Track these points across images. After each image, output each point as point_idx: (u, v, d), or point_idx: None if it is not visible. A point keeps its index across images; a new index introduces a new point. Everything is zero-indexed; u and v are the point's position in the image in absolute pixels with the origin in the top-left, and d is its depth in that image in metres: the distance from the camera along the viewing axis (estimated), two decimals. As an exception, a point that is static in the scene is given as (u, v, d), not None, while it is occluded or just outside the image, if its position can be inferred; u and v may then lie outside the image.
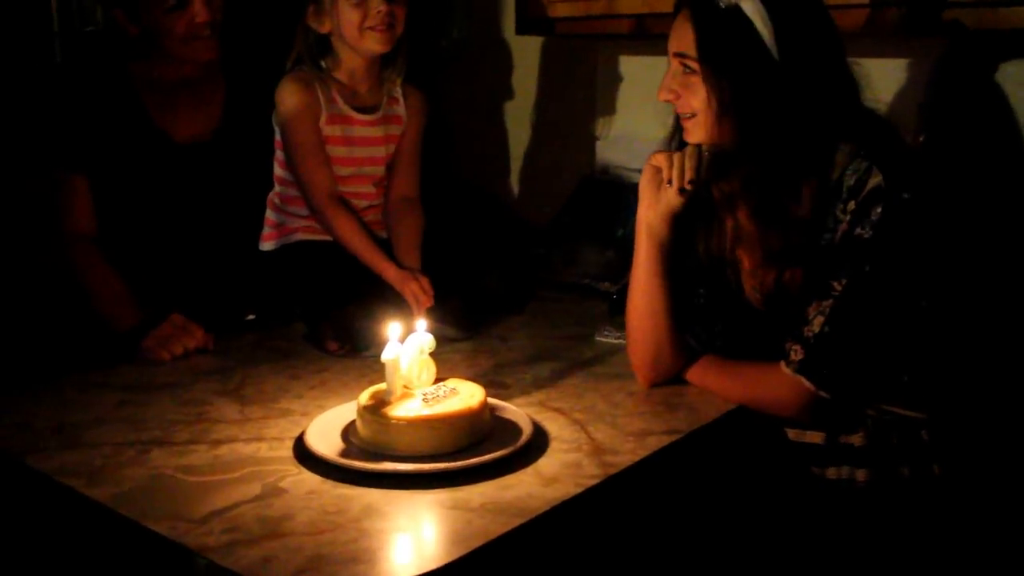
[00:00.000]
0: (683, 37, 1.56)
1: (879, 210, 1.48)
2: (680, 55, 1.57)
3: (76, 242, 2.02)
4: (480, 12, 2.91)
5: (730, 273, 1.71)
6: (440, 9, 2.91)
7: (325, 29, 1.97)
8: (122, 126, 2.05)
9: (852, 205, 1.50)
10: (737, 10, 1.51)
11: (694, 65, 1.55)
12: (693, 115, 1.59)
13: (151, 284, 2.02)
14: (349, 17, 1.93)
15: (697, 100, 1.56)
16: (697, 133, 1.60)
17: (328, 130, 2.00)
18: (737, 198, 1.65)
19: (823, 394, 1.52)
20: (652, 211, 1.64)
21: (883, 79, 1.63)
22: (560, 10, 2.40)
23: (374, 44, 1.96)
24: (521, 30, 2.54)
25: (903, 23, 1.91)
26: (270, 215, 2.09)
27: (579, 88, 2.81)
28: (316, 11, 1.96)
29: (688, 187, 1.60)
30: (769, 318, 1.63)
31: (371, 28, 1.93)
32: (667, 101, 1.62)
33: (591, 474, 1.36)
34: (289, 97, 1.98)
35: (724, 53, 1.52)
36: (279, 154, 2.05)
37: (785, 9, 1.53)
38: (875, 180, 1.49)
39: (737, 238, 1.69)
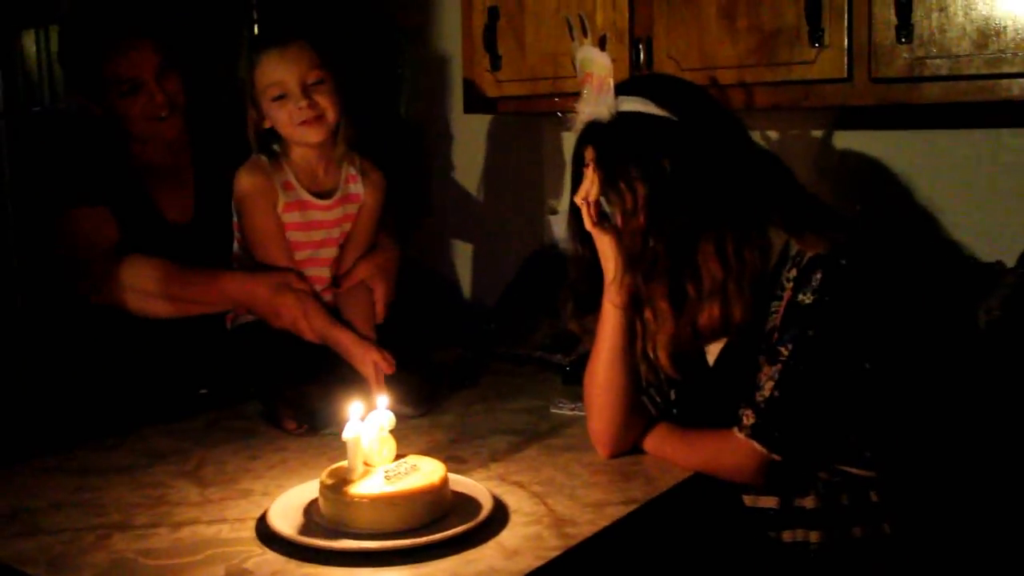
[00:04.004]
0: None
1: (819, 276, 1.54)
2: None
3: None
4: (428, 91, 2.97)
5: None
6: (389, 88, 2.97)
7: (267, 125, 2.01)
8: (125, 198, 2.08)
9: (794, 272, 1.56)
10: (621, 115, 1.59)
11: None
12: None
13: (121, 347, 2.03)
14: (277, 117, 1.98)
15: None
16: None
17: (286, 217, 2.02)
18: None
19: (776, 457, 1.56)
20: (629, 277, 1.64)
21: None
22: (507, 89, 2.46)
23: (307, 137, 2.00)
24: (469, 108, 2.60)
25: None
26: None
27: (526, 165, 2.87)
28: (254, 107, 2.00)
29: None
30: (722, 385, 1.67)
31: (299, 124, 1.98)
32: None
33: (552, 546, 1.37)
34: (245, 185, 2.01)
35: (636, 157, 1.59)
36: (237, 235, 2.07)
37: (673, 93, 1.64)
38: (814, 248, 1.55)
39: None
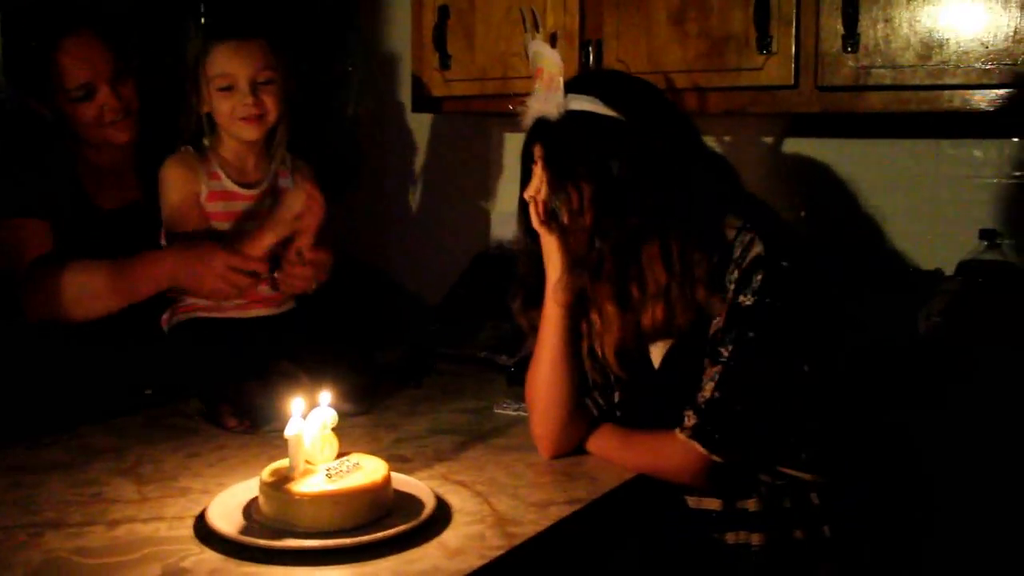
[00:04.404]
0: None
1: (760, 278, 1.55)
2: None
3: None
4: (376, 89, 2.95)
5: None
6: (337, 85, 2.95)
7: (204, 109, 2.00)
8: (57, 188, 2.02)
9: (736, 274, 1.57)
10: (570, 113, 1.59)
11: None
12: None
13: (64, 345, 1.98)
14: (219, 107, 1.98)
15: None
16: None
17: (210, 207, 2.00)
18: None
19: (716, 458, 1.56)
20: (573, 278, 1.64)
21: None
22: (456, 88, 2.46)
23: (244, 133, 2.00)
24: (417, 107, 2.59)
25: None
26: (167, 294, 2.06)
27: (473, 165, 2.87)
28: (195, 92, 1.99)
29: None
30: (668, 387, 1.67)
31: (241, 119, 1.97)
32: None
33: (495, 545, 1.37)
34: (167, 177, 2.00)
35: (583, 158, 1.59)
36: (164, 231, 2.03)
37: (623, 92, 1.63)
38: (756, 249, 1.56)
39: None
